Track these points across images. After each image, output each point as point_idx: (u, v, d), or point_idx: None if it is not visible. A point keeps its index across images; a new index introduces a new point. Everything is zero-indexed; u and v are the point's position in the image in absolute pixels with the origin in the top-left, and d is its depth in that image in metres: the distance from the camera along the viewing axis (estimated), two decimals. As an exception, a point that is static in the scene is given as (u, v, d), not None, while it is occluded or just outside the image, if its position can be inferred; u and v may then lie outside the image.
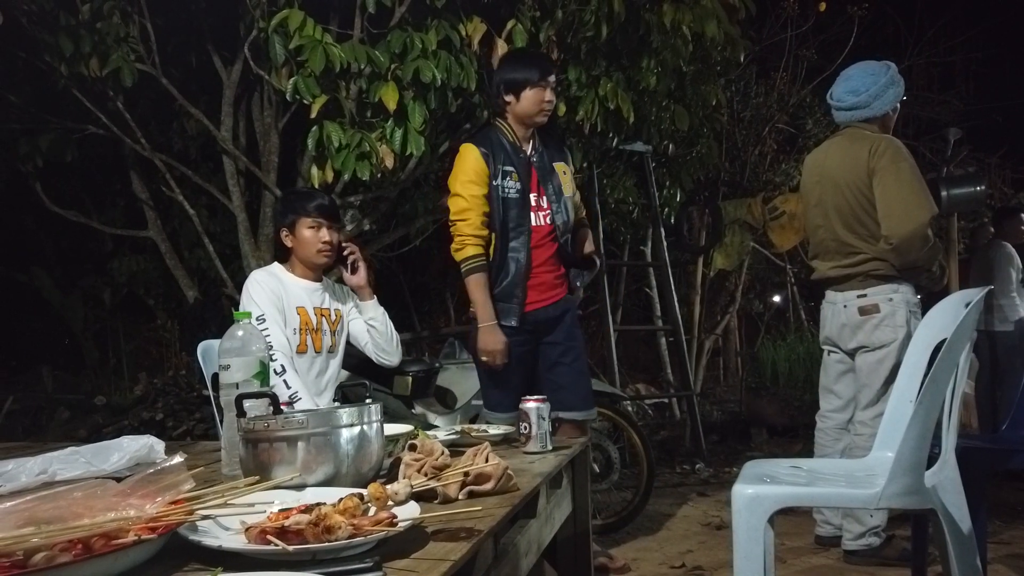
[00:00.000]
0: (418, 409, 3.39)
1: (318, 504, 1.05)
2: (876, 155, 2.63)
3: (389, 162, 3.36)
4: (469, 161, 2.54)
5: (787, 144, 7.01)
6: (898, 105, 2.81)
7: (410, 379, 3.39)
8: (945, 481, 1.91)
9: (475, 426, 2.27)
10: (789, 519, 3.23)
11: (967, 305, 2.00)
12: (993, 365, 4.97)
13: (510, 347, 2.52)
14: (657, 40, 3.80)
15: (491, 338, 2.51)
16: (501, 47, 3.46)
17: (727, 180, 6.51)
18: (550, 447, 1.92)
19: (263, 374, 1.53)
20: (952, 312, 2.04)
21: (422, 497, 1.28)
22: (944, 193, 3.19)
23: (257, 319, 2.27)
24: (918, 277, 2.70)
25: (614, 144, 4.62)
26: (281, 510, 1.07)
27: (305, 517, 1.01)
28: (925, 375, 1.95)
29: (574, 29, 3.67)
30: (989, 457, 2.52)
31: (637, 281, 7.32)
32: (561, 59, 3.72)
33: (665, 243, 5.37)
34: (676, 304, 5.34)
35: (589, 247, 2.73)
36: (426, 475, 1.35)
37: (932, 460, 1.90)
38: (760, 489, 1.87)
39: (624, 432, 3.62)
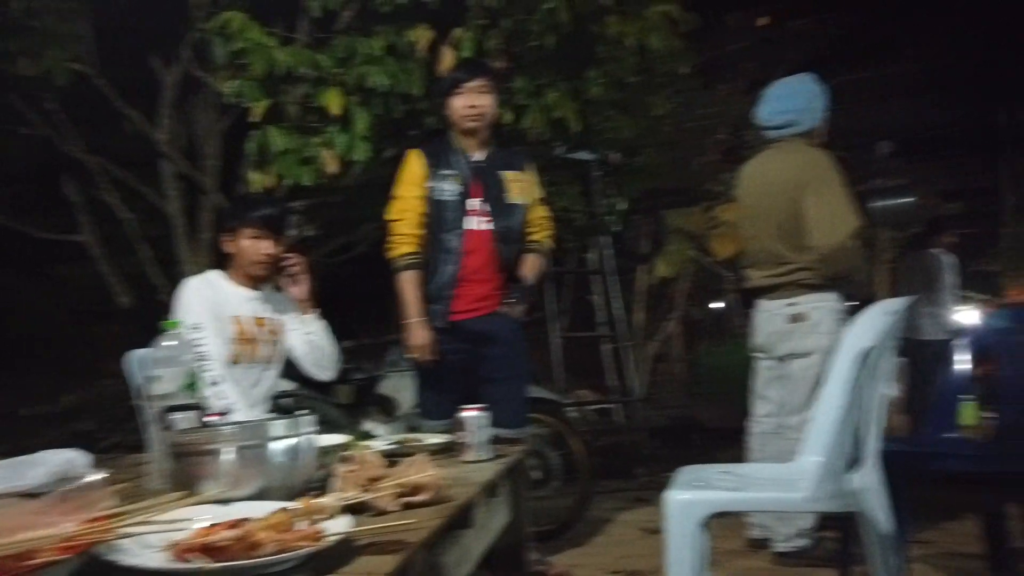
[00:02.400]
0: (359, 418, 3.37)
1: (245, 519, 1.04)
2: (807, 168, 2.72)
3: (333, 167, 3.34)
4: (409, 165, 2.61)
5: (730, 155, 7.17)
6: (826, 116, 2.90)
7: (351, 387, 3.37)
8: (869, 484, 1.98)
9: (415, 435, 2.28)
10: (723, 522, 3.29)
11: (891, 314, 2.09)
12: (923, 372, 5.17)
13: (439, 345, 2.54)
14: (603, 51, 3.86)
15: (417, 333, 2.54)
16: (448, 54, 3.47)
17: (670, 189, 6.63)
18: (488, 456, 1.93)
19: (193, 385, 1.51)
20: (877, 320, 2.12)
21: (355, 510, 1.27)
22: (874, 205, 3.30)
23: (192, 327, 2.22)
24: (845, 286, 2.80)
25: (560, 153, 4.68)
26: (207, 526, 1.06)
27: (231, 533, 1.00)
28: (851, 381, 2.02)
29: (521, 38, 3.70)
30: (912, 460, 2.62)
31: (583, 288, 7.40)
32: (508, 68, 3.75)
33: (609, 251, 5.44)
34: (620, 311, 5.41)
35: (527, 272, 2.68)
36: (360, 487, 1.35)
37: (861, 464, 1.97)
38: (692, 495, 1.92)
39: (566, 439, 3.65)
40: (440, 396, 2.55)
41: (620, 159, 5.27)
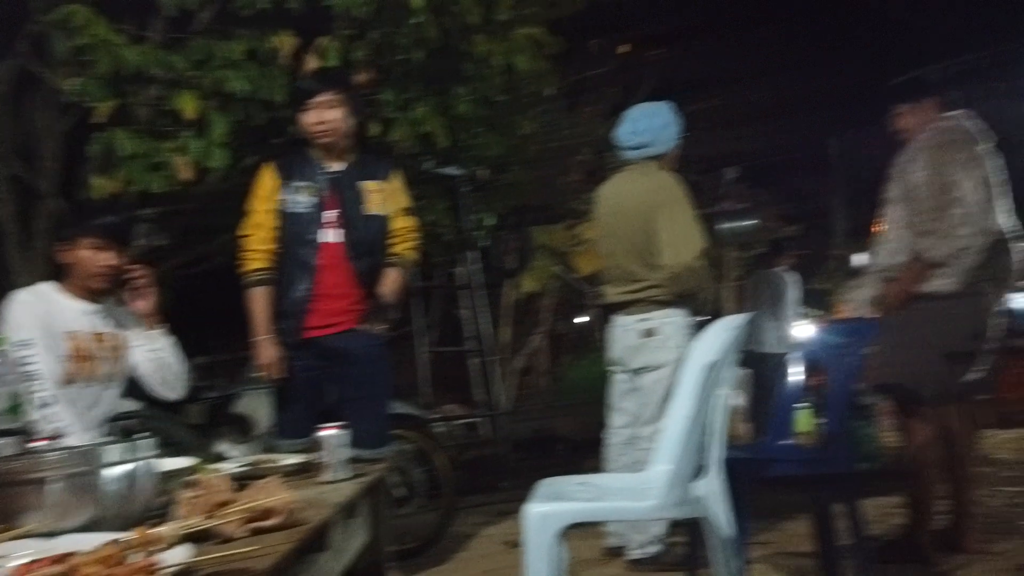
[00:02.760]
0: (212, 439, 3.21)
1: (70, 554, 0.97)
2: (658, 190, 2.87)
3: (186, 174, 3.18)
4: (262, 178, 2.56)
5: (592, 175, 7.44)
6: (679, 142, 3.08)
7: (203, 407, 3.20)
8: (712, 491, 2.10)
9: (270, 456, 2.20)
10: (582, 532, 3.39)
11: (733, 329, 2.24)
12: (765, 383, 5.56)
13: (289, 363, 2.49)
14: (470, 69, 3.91)
15: (265, 351, 2.48)
16: (311, 63, 3.40)
17: (536, 207, 6.79)
18: (347, 476, 1.90)
19: (17, 408, 1.39)
20: (721, 335, 2.26)
21: (198, 538, 1.21)
22: (721, 226, 3.52)
23: (20, 344, 2.05)
24: (692, 302, 2.97)
25: (428, 167, 4.68)
26: (27, 563, 0.98)
27: (55, 569, 0.93)
28: (697, 393, 2.14)
29: (389, 51, 3.68)
30: (752, 466, 2.81)
31: (451, 303, 7.43)
32: (375, 80, 3.72)
33: (476, 266, 5.50)
34: (486, 325, 5.47)
35: (385, 288, 2.59)
36: (204, 513, 1.29)
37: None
38: (549, 507, 1.96)
39: (430, 455, 3.64)
40: (298, 415, 2.48)
41: (488, 175, 5.35)
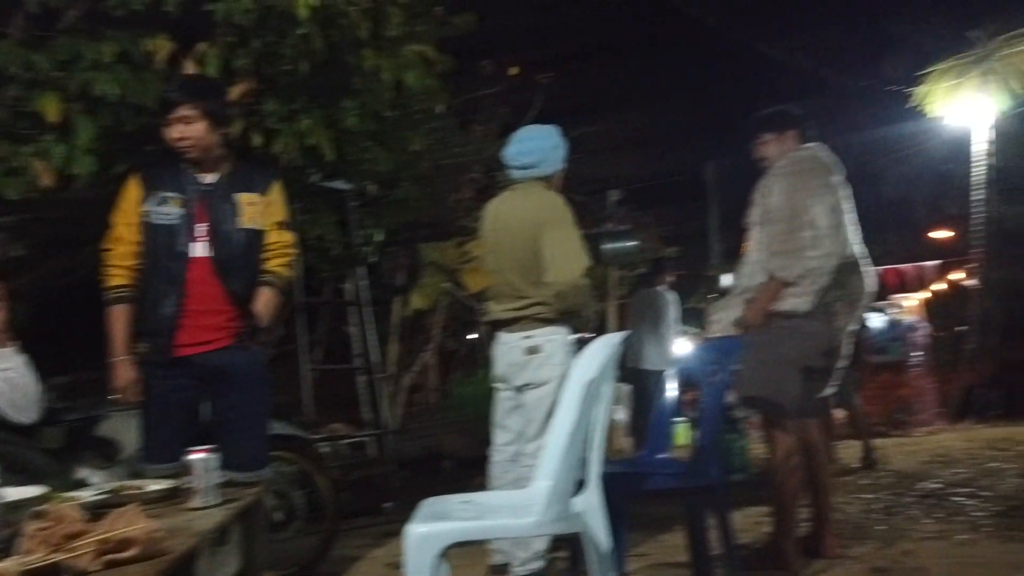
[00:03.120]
0: (72, 465, 2.99)
1: None
2: (544, 210, 2.93)
3: (47, 180, 2.98)
4: (127, 188, 2.44)
5: (483, 193, 7.51)
6: (564, 165, 3.16)
7: (62, 430, 2.98)
8: (591, 505, 2.15)
9: (135, 482, 2.07)
10: (466, 551, 3.38)
11: (612, 346, 2.30)
12: (646, 399, 5.74)
13: (158, 383, 2.37)
14: (358, 83, 3.87)
15: (121, 373, 2.37)
16: (189, 69, 3.27)
17: (427, 223, 6.78)
18: (216, 501, 1.82)
19: None
20: (600, 352, 2.32)
21: (46, 573, 1.13)
22: (604, 246, 3.63)
23: None
24: (575, 320, 3.04)
25: (314, 180, 4.59)
26: None
27: None
28: (577, 409, 2.18)
29: (273, 61, 3.59)
30: (631, 480, 2.90)
31: (339, 319, 7.28)
32: (258, 89, 3.62)
33: (365, 282, 5.41)
34: (374, 342, 5.39)
35: (259, 308, 2.48)
36: (53, 546, 1.20)
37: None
38: (430, 527, 1.95)
39: (312, 476, 3.54)
40: (166, 437, 2.34)
41: (377, 191, 5.29)
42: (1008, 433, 6.24)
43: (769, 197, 3.02)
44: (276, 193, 2.56)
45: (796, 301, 2.90)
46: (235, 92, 3.30)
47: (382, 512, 4.76)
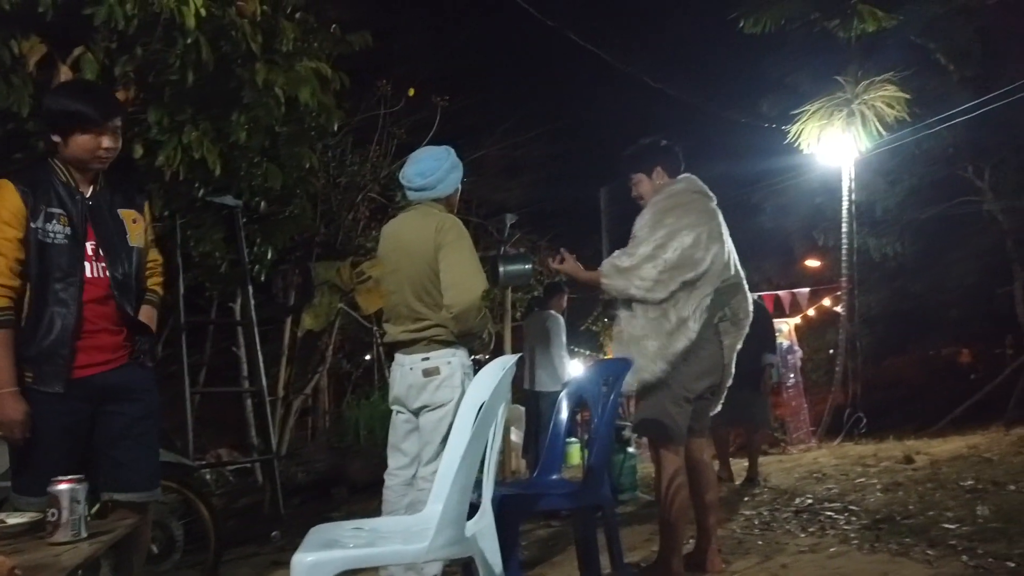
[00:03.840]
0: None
1: None
2: (441, 232, 2.92)
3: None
4: (4, 199, 2.18)
5: (379, 212, 7.44)
6: (459, 187, 3.17)
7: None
8: (483, 529, 2.13)
9: (-7, 516, 1.90)
10: (360, 578, 3.30)
11: (505, 369, 2.31)
12: (540, 420, 5.80)
13: (45, 412, 2.18)
14: (249, 96, 3.75)
15: (9, 407, 2.12)
16: (65, 74, 3.09)
17: (321, 242, 6.64)
18: (84, 534, 1.69)
19: None
20: (494, 374, 2.32)
21: None
22: (500, 269, 3.66)
23: None
24: (472, 342, 3.04)
25: (200, 195, 4.41)
26: None
27: None
28: (471, 432, 2.17)
29: (157, 69, 3.44)
30: (524, 501, 2.91)
31: (226, 339, 6.99)
32: (141, 99, 3.45)
33: (254, 301, 5.23)
34: (262, 364, 5.20)
35: (144, 318, 2.42)
36: None
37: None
38: (319, 555, 1.88)
39: (194, 505, 3.36)
40: (41, 470, 2.11)
41: (268, 207, 5.13)
42: (874, 449, 6.66)
43: (638, 226, 3.14)
44: (147, 209, 2.47)
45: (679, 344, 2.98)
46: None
47: (269, 541, 4.56)
